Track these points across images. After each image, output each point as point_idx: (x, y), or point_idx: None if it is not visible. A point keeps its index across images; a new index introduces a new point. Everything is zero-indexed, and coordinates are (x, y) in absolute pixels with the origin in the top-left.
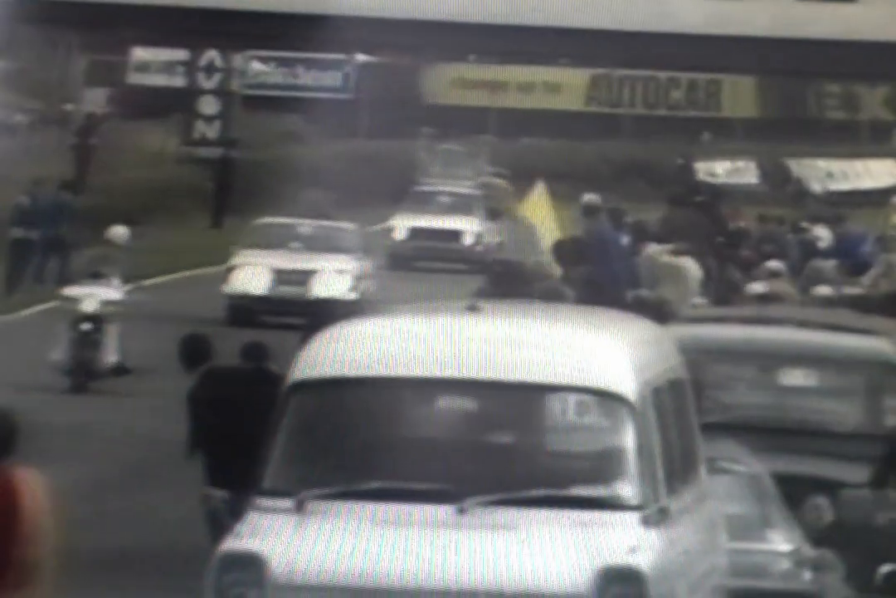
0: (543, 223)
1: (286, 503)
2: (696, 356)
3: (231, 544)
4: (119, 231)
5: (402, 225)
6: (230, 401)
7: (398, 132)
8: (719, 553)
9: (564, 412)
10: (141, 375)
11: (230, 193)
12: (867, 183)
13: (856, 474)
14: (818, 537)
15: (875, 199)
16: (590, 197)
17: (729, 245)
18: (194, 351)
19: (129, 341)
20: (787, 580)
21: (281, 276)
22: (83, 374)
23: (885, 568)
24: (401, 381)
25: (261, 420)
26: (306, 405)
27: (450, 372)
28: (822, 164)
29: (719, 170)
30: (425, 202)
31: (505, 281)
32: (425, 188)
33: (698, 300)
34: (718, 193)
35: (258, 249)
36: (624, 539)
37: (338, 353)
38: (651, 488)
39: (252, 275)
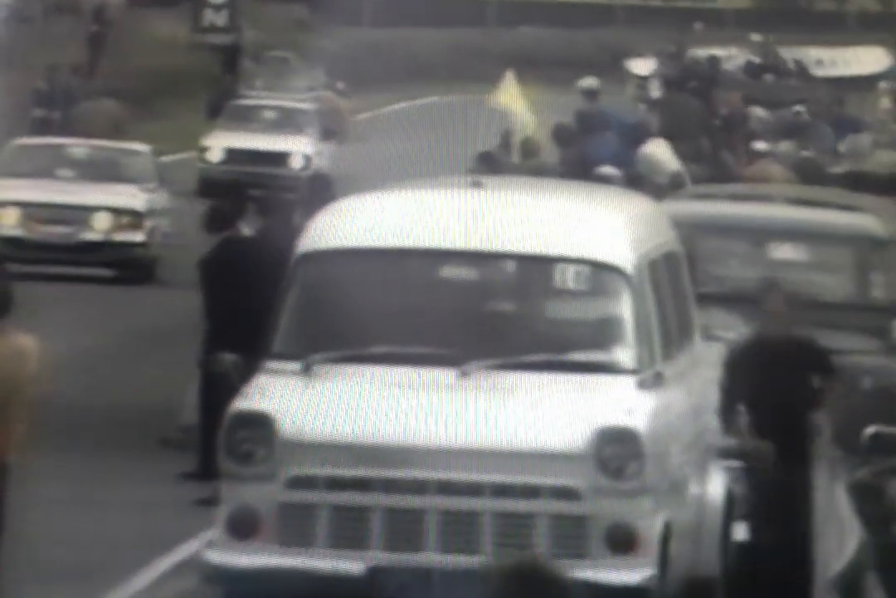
0: (520, 112)
1: (294, 365)
2: (691, 231)
3: (241, 404)
4: None
5: (217, 145)
6: (237, 269)
7: (401, 21)
8: (712, 415)
9: (564, 283)
10: None
11: (239, 79)
12: (856, 70)
13: (842, 341)
14: None
15: (863, 85)
16: (588, 81)
17: (722, 129)
18: (217, 218)
19: None
20: None
21: (40, 213)
22: None
23: (870, 430)
24: (405, 251)
25: (263, 289)
26: (314, 275)
27: (454, 244)
28: (813, 51)
29: None
30: (246, 118)
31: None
32: (246, 102)
33: None
34: (712, 79)
35: (13, 178)
36: (620, 401)
37: (345, 225)
38: (647, 353)
39: (1, 212)
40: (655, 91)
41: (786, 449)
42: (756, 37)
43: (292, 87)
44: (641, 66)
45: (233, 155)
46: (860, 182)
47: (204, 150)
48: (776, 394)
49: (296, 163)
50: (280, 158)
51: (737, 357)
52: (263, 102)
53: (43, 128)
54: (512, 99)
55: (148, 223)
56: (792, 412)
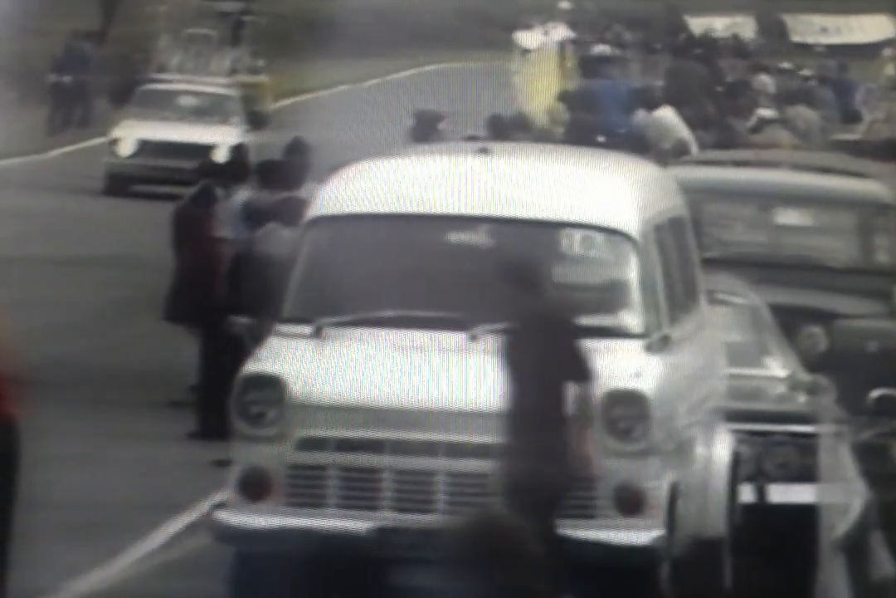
0: (548, 75)
1: (305, 329)
2: (697, 196)
3: (252, 366)
4: None
5: (128, 136)
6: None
7: None
8: (719, 378)
9: (571, 248)
10: None
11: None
12: (859, 37)
13: (847, 305)
14: (812, 363)
15: (867, 52)
16: (600, 48)
17: (727, 95)
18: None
19: None
20: (783, 402)
21: None
22: None
23: (876, 393)
24: (414, 217)
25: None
26: (324, 239)
27: (462, 209)
28: (817, 19)
29: (718, 25)
30: (162, 105)
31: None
32: (160, 86)
33: None
34: (717, 47)
35: None
36: (628, 365)
37: (354, 190)
38: (654, 317)
39: None
40: None
41: (542, 437)
42: (565, 4)
43: (212, 70)
44: (530, 38)
45: (146, 147)
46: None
47: (113, 142)
48: (531, 380)
49: (221, 156)
50: (203, 150)
51: (505, 342)
52: (180, 87)
53: (58, 93)
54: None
55: None
56: (547, 394)
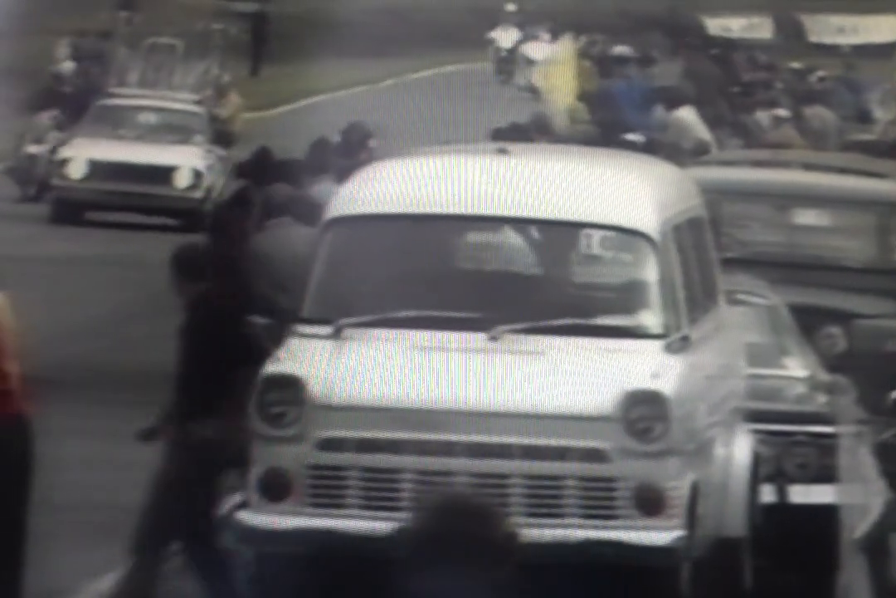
0: (567, 78)
1: (324, 329)
2: (715, 196)
3: (272, 367)
4: None
5: (79, 156)
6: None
7: None
8: (738, 378)
9: (591, 248)
10: None
11: (266, 44)
12: (876, 37)
13: (866, 305)
14: (832, 363)
15: (883, 52)
16: (620, 49)
17: (743, 94)
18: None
19: None
20: (803, 402)
21: None
22: None
23: (895, 393)
24: (433, 217)
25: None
26: (344, 240)
27: (481, 209)
28: (834, 19)
29: (734, 26)
30: (118, 123)
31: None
32: (119, 102)
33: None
34: (732, 46)
35: None
36: (647, 365)
37: (373, 190)
38: (673, 317)
39: None
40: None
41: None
42: (511, 6)
43: (176, 84)
44: (506, 37)
45: (99, 169)
46: None
47: (62, 163)
48: (195, 362)
49: (182, 180)
50: (161, 173)
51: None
52: (139, 102)
53: (63, 94)
54: (560, 68)
55: None
56: (210, 378)
